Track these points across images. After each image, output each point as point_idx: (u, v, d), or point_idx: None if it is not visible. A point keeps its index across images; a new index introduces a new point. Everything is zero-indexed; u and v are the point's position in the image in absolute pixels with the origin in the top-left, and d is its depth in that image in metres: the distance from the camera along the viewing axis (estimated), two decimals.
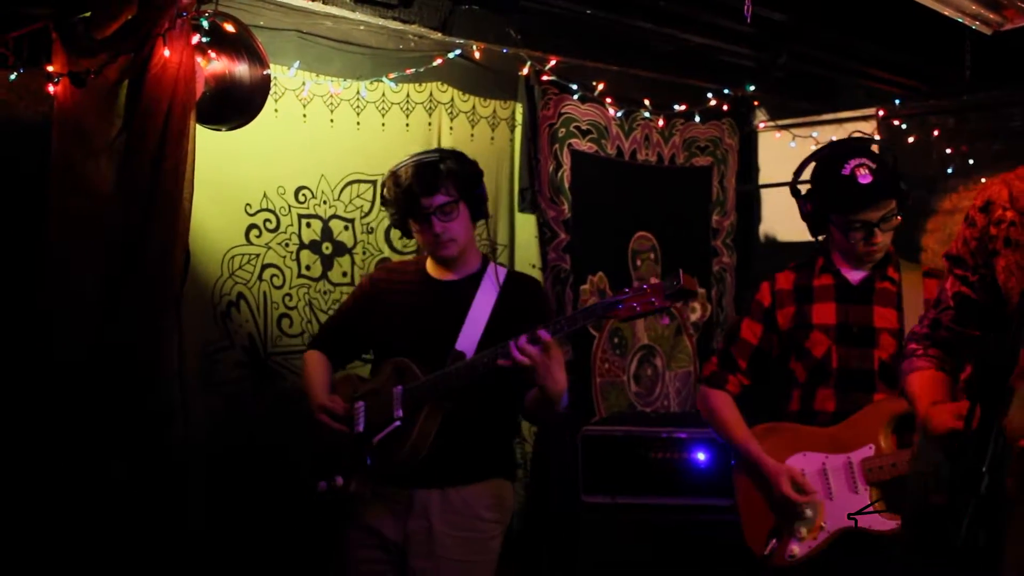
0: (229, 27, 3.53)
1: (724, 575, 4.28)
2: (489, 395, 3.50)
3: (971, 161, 5.78)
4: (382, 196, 3.71)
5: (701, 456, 4.66)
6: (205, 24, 3.32)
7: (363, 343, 3.79)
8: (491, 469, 3.61)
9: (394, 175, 3.58)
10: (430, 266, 3.68)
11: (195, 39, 3.28)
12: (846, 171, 3.46)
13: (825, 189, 3.55)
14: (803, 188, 3.72)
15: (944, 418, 2.43)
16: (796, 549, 3.49)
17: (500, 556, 4.82)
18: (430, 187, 3.49)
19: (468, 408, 3.48)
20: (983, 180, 5.79)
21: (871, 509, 3.41)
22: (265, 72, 3.71)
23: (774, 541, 3.53)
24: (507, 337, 3.27)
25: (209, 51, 3.40)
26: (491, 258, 3.69)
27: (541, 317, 3.42)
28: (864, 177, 3.43)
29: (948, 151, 5.83)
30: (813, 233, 3.70)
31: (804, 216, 3.68)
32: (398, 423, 3.40)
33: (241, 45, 3.58)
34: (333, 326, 3.85)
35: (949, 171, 5.84)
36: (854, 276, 3.61)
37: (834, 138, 5.82)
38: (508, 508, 3.68)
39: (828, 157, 3.61)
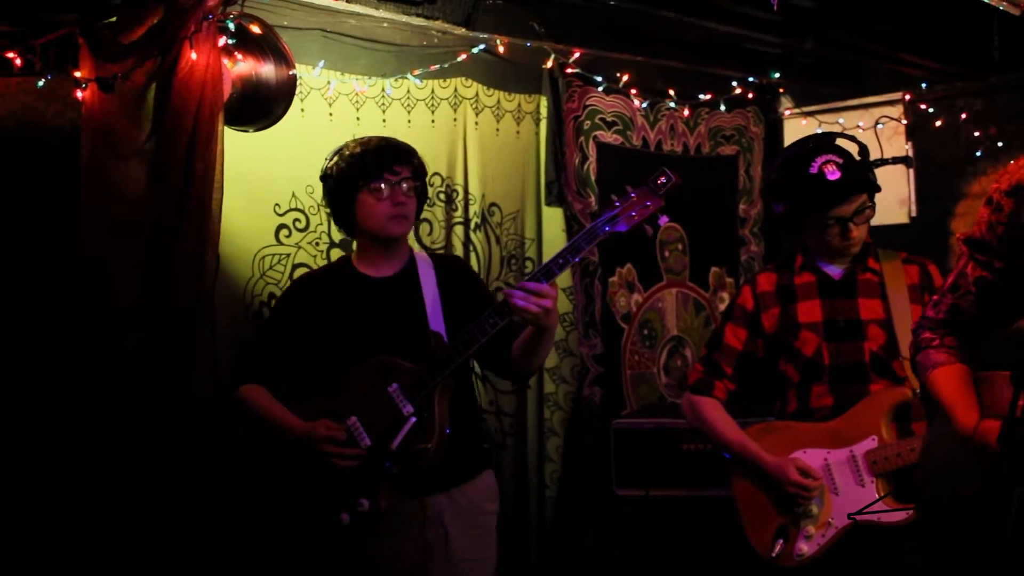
0: (255, 28, 3.54)
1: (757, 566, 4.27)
2: (464, 379, 3.51)
3: (1000, 143, 5.70)
4: (327, 171, 3.60)
5: None
6: (231, 26, 3.32)
7: (305, 363, 3.56)
8: (481, 460, 3.60)
9: (359, 143, 3.54)
10: (361, 266, 3.62)
11: (221, 41, 3.29)
12: (813, 169, 3.47)
13: (795, 189, 3.55)
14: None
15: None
16: (805, 548, 3.46)
17: (534, 549, 4.90)
18: (403, 158, 3.50)
19: (457, 397, 3.44)
20: (1012, 162, 5.72)
21: (878, 501, 3.38)
22: (291, 72, 3.71)
23: (780, 542, 3.49)
24: (463, 313, 3.32)
25: (235, 53, 3.40)
26: (411, 247, 3.65)
27: (477, 286, 3.65)
28: (832, 173, 3.45)
29: (976, 134, 5.74)
30: (789, 233, 3.69)
31: (777, 217, 3.67)
32: (414, 420, 3.30)
33: (267, 46, 3.58)
34: (266, 354, 3.61)
35: (978, 154, 5.76)
36: (835, 271, 3.61)
37: (861, 123, 5.81)
38: (498, 499, 3.66)
39: (795, 156, 3.60)
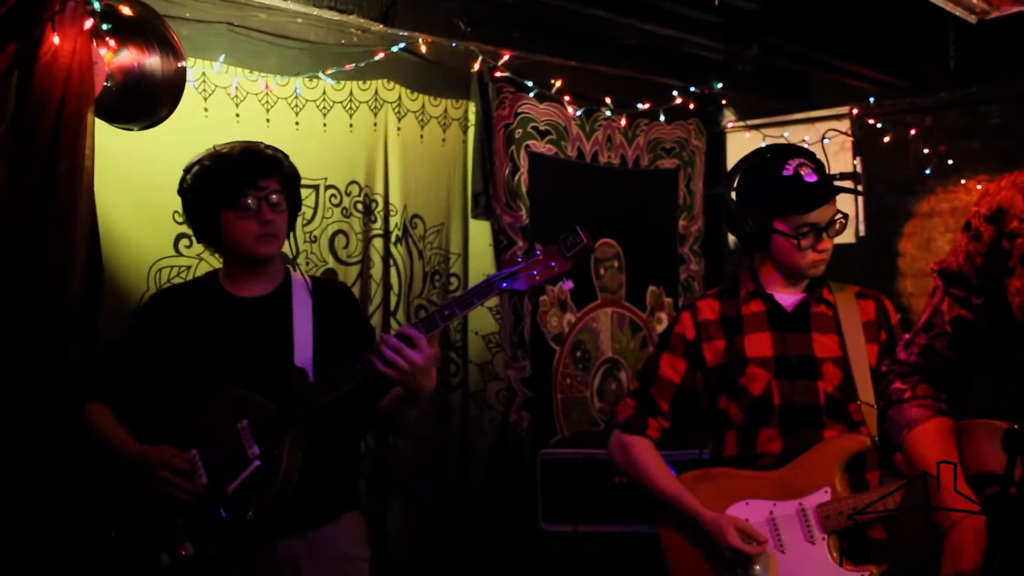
0: (125, 9, 3.18)
1: None
2: (334, 414, 3.13)
3: (950, 161, 5.58)
4: (182, 185, 3.23)
5: None
6: (97, 5, 2.96)
7: (160, 386, 3.17)
8: (345, 502, 3.26)
9: (218, 155, 3.17)
10: (228, 284, 3.25)
11: (88, 23, 2.94)
12: (788, 171, 3.16)
13: (767, 193, 3.21)
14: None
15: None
16: None
17: None
18: (268, 169, 3.13)
19: (318, 432, 3.09)
20: (962, 181, 5.59)
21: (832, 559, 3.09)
22: (179, 65, 3.39)
23: None
24: (337, 348, 3.04)
25: (108, 39, 3.06)
26: (292, 267, 3.35)
27: (358, 321, 3.32)
28: (809, 176, 3.15)
29: (925, 151, 5.63)
30: (749, 251, 3.36)
31: (741, 231, 3.32)
32: (257, 463, 2.96)
33: (151, 34, 3.27)
34: (117, 371, 3.23)
35: (927, 172, 5.63)
36: (788, 300, 3.28)
37: (807, 138, 5.61)
38: (369, 542, 3.32)
39: (762, 162, 3.29)
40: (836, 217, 3.20)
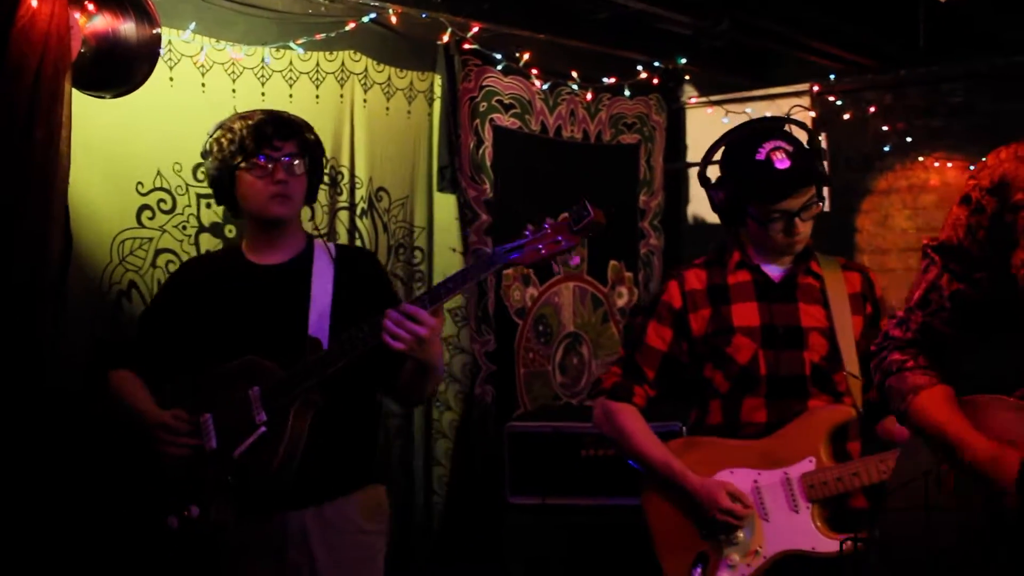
0: None
1: None
2: (352, 386, 3.13)
3: (909, 139, 5.61)
4: (206, 148, 3.22)
5: None
6: None
7: (184, 353, 3.20)
8: (364, 474, 3.24)
9: (240, 116, 3.19)
10: (249, 252, 3.25)
11: None
12: (760, 156, 3.09)
13: (739, 176, 3.18)
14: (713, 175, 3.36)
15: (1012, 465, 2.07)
16: None
17: (420, 560, 4.60)
18: (287, 132, 3.15)
19: (333, 404, 3.08)
20: (920, 159, 5.62)
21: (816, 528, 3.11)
22: (155, 31, 3.32)
23: (699, 570, 3.15)
24: (357, 317, 2.98)
25: (87, 3, 2.99)
26: (317, 236, 3.33)
27: (385, 292, 3.23)
28: (781, 162, 3.08)
29: (884, 128, 5.64)
30: (726, 224, 3.33)
31: (716, 206, 3.31)
32: (263, 429, 2.96)
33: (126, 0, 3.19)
34: (144, 338, 3.27)
35: (886, 149, 5.66)
36: (775, 272, 3.25)
37: (768, 114, 5.58)
38: (387, 516, 3.30)
39: (740, 141, 3.23)
40: (811, 201, 3.15)
